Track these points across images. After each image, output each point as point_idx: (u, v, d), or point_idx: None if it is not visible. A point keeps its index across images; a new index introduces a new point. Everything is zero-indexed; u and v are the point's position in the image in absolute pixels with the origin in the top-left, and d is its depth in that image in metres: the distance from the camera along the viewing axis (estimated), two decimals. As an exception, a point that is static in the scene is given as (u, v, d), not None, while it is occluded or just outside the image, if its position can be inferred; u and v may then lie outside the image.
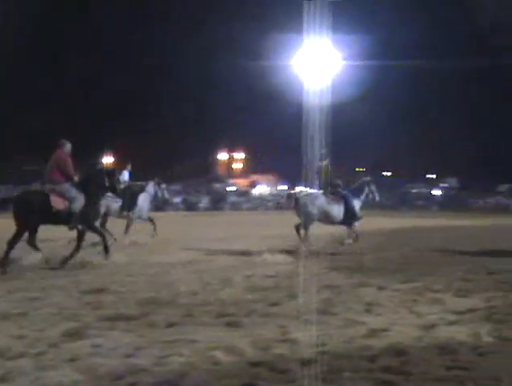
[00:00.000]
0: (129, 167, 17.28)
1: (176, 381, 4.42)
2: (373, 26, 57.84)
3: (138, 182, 17.14)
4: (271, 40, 52.85)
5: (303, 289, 8.27)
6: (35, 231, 11.51)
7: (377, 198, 15.16)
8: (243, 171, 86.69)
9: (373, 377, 4.51)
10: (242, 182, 67.99)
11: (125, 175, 16.53)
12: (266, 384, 4.37)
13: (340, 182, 15.09)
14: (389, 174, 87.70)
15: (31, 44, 52.88)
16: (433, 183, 65.28)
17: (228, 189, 58.40)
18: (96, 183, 12.14)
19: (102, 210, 13.89)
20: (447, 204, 48.16)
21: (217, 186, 59.99)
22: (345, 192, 14.51)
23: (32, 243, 11.47)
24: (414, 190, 59.34)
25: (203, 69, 63.73)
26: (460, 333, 5.90)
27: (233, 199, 49.85)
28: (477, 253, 13.25)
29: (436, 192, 58.40)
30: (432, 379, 4.49)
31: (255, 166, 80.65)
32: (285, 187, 61.90)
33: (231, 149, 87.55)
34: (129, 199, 15.79)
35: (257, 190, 61.76)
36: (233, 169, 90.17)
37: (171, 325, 6.24)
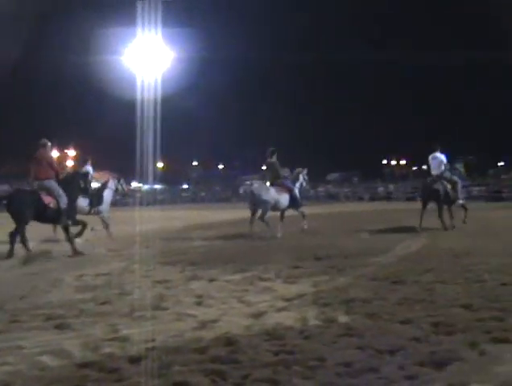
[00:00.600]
0: (89, 162, 17.98)
1: (1, 392, 4.25)
2: (202, 21, 58.37)
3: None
4: (101, 35, 51.81)
5: (135, 286, 8.21)
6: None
7: (306, 185, 18.48)
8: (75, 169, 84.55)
9: (203, 368, 4.54)
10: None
11: (89, 170, 17.22)
12: (95, 385, 4.29)
13: (287, 174, 17.75)
14: (221, 166, 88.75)
15: None
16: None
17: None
18: (74, 184, 13.58)
19: None
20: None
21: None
22: (289, 183, 16.78)
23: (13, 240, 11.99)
24: (248, 182, 60.32)
25: (29, 65, 61.55)
26: (288, 318, 6.09)
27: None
28: (306, 240, 13.73)
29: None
30: (260, 365, 4.58)
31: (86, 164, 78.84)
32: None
33: (63, 147, 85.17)
34: (96, 197, 16.56)
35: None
36: (65, 167, 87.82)
37: (-4, 332, 5.97)
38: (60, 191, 12.64)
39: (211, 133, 75.68)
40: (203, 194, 59.06)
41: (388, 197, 43.81)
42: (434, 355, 4.73)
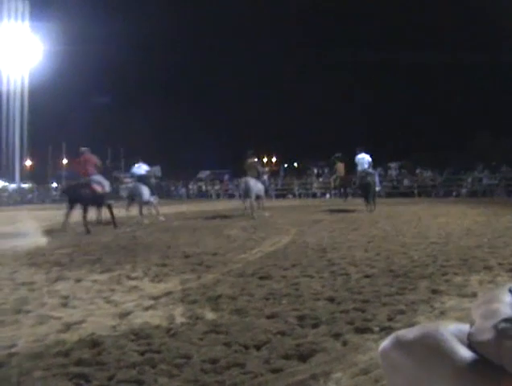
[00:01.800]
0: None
1: None
2: (72, 14, 57.32)
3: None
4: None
5: (-3, 289, 7.91)
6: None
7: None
8: None
9: (66, 372, 4.42)
10: None
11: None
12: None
13: (264, 171, 26.64)
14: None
15: None
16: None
17: None
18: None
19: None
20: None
21: None
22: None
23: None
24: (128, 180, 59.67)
25: None
26: (155, 317, 6.05)
27: None
28: (174, 238, 13.71)
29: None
30: (126, 365, 4.52)
31: None
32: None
33: None
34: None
35: None
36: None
37: None
38: (105, 180, 17.83)
39: (81, 129, 74.10)
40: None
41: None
42: (299, 347, 4.82)
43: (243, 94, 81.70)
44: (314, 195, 41.16)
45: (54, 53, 52.25)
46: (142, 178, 20.50)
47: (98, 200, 17.47)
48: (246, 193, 20.33)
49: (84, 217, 16.31)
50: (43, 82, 52.83)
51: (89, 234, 15.55)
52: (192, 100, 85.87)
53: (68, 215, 16.94)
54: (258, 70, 78.60)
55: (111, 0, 64.74)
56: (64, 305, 6.81)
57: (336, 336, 5.12)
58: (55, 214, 21.76)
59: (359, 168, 22.28)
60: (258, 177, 21.21)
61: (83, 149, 17.92)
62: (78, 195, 16.71)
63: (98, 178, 17.52)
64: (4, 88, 49.35)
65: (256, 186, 20.39)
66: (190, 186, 50.87)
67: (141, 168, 20.95)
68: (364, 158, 22.09)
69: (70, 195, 17.34)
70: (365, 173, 21.70)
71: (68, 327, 5.73)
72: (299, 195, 41.77)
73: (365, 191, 21.81)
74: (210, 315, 6.05)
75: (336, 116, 67.46)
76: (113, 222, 17.51)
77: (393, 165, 42.29)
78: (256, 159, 22.20)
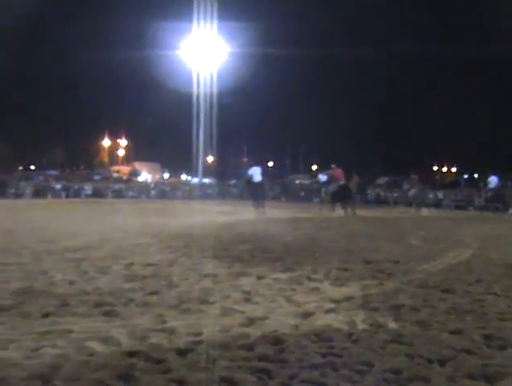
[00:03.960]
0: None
1: (49, 374, 4.28)
2: (258, 16, 58.49)
3: None
4: (159, 29, 52.42)
5: (183, 278, 8.24)
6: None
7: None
8: (126, 159, 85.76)
9: (250, 365, 4.52)
10: (124, 170, 67.25)
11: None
12: (142, 374, 4.30)
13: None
14: (271, 164, 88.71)
15: None
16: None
17: (111, 176, 57.55)
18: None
19: None
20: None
21: (100, 172, 59.06)
22: None
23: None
24: (297, 181, 60.21)
25: (91, 58, 62.65)
26: (335, 321, 6.02)
27: (116, 186, 48.90)
28: (354, 243, 13.63)
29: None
30: (308, 366, 4.55)
31: (137, 154, 79.98)
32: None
33: (115, 136, 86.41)
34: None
35: (141, 178, 61.22)
36: (117, 156, 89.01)
37: (46, 315, 6.01)
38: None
39: (263, 129, 75.67)
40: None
41: (437, 204, 43.10)
42: (486, 368, 4.62)
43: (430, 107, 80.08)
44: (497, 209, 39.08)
45: (239, 54, 53.64)
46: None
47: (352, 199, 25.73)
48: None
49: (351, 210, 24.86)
50: (229, 83, 54.44)
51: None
52: (374, 105, 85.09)
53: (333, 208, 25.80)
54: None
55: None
56: (247, 300, 6.96)
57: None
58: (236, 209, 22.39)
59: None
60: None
61: (333, 165, 26.89)
62: (347, 194, 24.69)
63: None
64: (194, 89, 51.29)
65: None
66: (369, 192, 50.42)
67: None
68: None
69: (339, 194, 25.13)
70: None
71: (251, 322, 5.85)
72: (480, 208, 39.92)
73: None
74: (392, 324, 5.93)
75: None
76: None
77: None
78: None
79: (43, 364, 4.48)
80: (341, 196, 24.99)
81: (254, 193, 23.73)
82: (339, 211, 25.49)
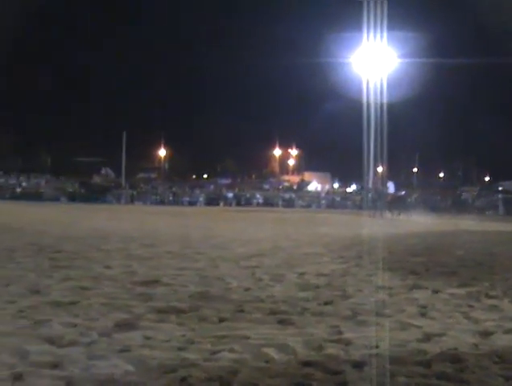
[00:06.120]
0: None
1: (228, 378, 4.37)
2: (428, 24, 57.38)
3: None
4: (330, 38, 52.79)
5: (356, 289, 8.18)
6: None
7: None
8: (296, 168, 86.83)
9: (428, 383, 4.39)
10: (294, 179, 68.13)
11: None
12: (319, 385, 4.29)
13: None
14: (442, 175, 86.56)
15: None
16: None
17: (281, 186, 58.44)
18: None
19: None
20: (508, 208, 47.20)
21: (271, 181, 60.14)
22: None
23: None
24: (464, 194, 58.55)
25: (262, 66, 64.20)
26: (517, 341, 5.74)
27: (286, 195, 49.58)
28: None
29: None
30: (489, 388, 4.36)
31: (308, 163, 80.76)
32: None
33: (285, 146, 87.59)
34: None
35: (310, 188, 61.78)
36: (288, 165, 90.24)
37: (222, 320, 6.18)
38: None
39: (434, 140, 73.97)
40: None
41: None
42: None
43: None
44: None
45: (410, 64, 52.76)
46: None
47: None
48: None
49: None
50: (399, 92, 53.68)
51: None
52: None
53: None
54: None
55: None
56: (423, 314, 6.79)
57: None
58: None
59: None
60: None
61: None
62: None
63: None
64: (365, 99, 51.09)
65: None
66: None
67: None
68: None
69: None
70: None
71: (428, 338, 5.68)
72: None
73: None
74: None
75: None
76: None
77: None
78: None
79: (222, 367, 4.58)
80: None
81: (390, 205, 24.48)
82: None
